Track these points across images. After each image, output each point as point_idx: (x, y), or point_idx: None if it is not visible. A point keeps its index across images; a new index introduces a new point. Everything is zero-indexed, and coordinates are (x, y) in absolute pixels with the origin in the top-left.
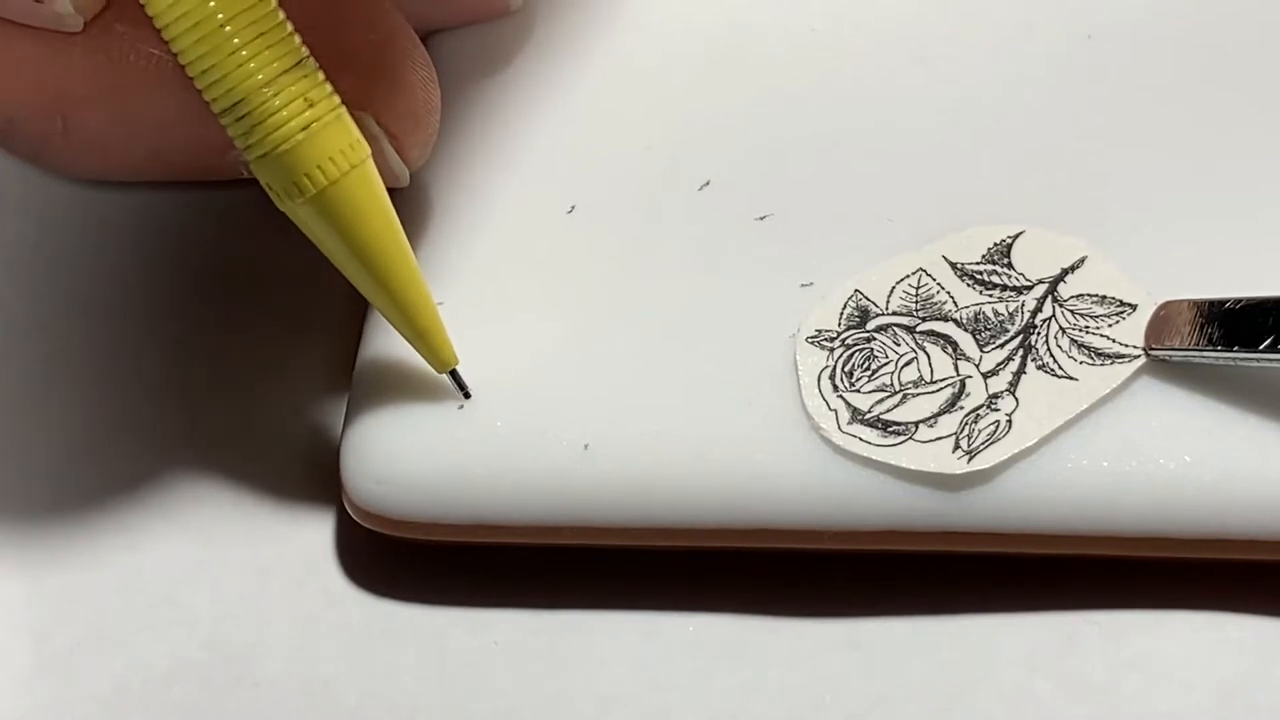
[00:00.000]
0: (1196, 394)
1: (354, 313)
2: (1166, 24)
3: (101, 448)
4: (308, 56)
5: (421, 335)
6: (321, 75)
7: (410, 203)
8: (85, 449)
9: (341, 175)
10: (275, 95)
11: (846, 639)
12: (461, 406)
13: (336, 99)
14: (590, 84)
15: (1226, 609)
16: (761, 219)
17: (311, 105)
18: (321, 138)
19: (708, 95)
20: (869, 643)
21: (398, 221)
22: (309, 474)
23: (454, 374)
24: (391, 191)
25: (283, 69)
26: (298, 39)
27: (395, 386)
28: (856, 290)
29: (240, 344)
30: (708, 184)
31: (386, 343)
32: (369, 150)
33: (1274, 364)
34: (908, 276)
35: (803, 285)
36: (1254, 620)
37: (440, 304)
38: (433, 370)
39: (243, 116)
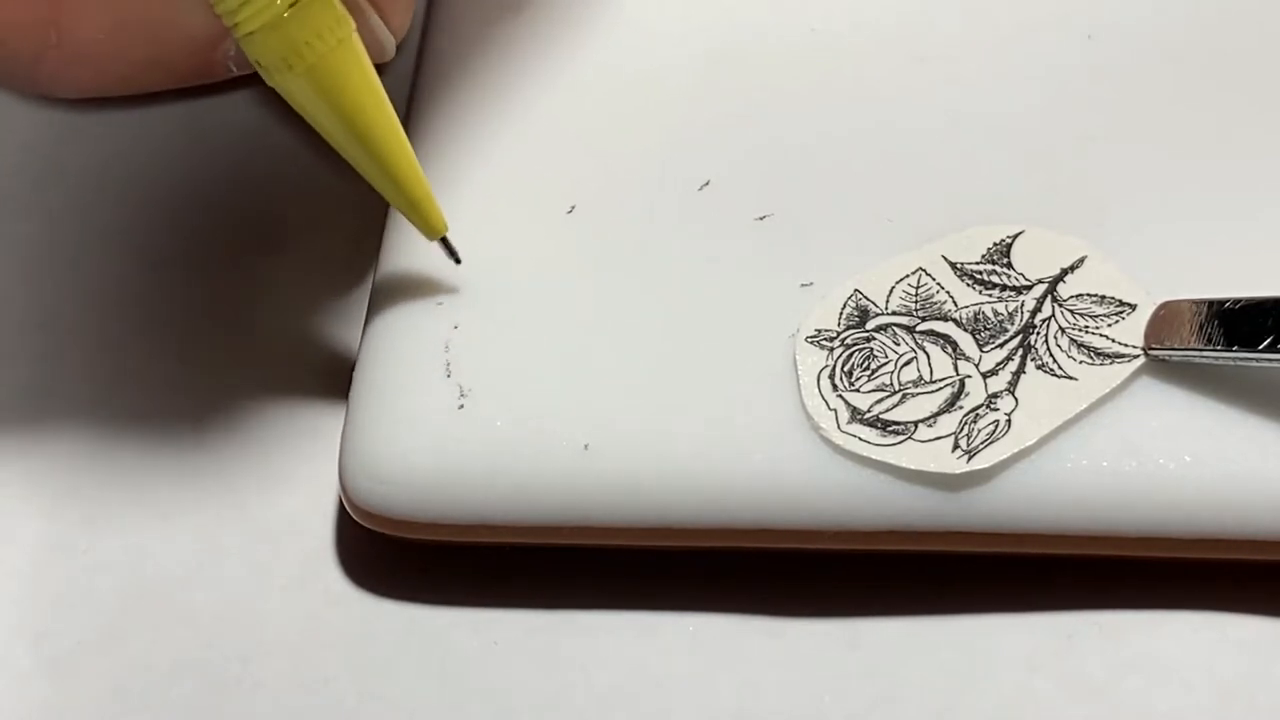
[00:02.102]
0: (1196, 394)
1: (354, 312)
2: (1166, 24)
3: (101, 447)
4: None
5: (413, 203)
6: None
7: None
8: (84, 449)
9: (328, 49)
10: None
11: (846, 639)
12: (461, 406)
13: None
14: (590, 84)
15: (1226, 609)
16: (761, 219)
17: None
18: (308, 13)
19: (708, 95)
20: (869, 643)
21: (384, 93)
22: (309, 473)
23: (444, 241)
24: None
25: None
26: None
27: (395, 387)
28: (856, 290)
29: (240, 343)
30: (708, 184)
31: (387, 343)
32: (354, 25)
33: (1274, 364)
34: (907, 276)
35: (803, 285)
36: (1254, 620)
37: (439, 304)
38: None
39: None
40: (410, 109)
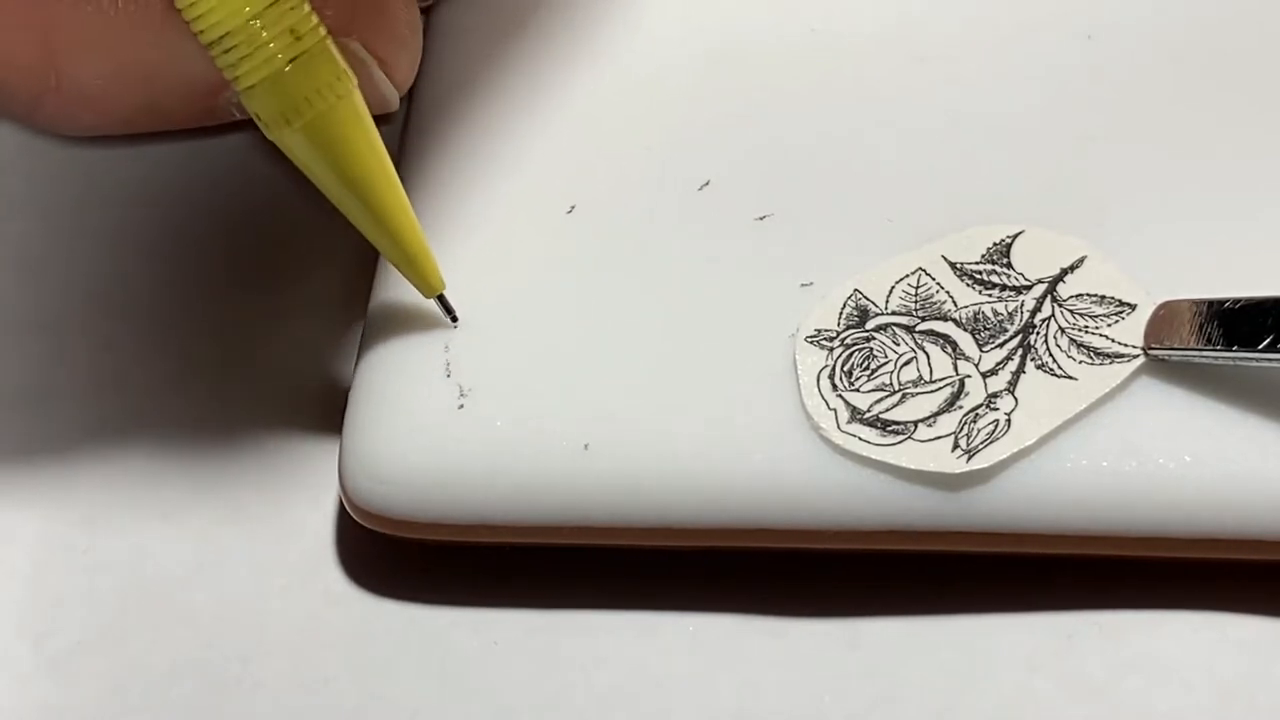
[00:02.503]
0: (1196, 394)
1: (354, 312)
2: (1166, 24)
3: (101, 448)
4: None
5: (410, 260)
6: (308, 7)
7: (411, 203)
8: (84, 449)
9: (328, 106)
10: (262, 28)
11: (846, 639)
12: (461, 406)
13: (323, 30)
14: (590, 84)
15: (1226, 609)
16: (761, 219)
17: (298, 38)
18: (309, 69)
19: (707, 95)
20: (869, 643)
21: (384, 150)
22: (309, 474)
23: (441, 299)
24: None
25: (270, 1)
26: None
27: (395, 386)
28: (856, 290)
29: (240, 344)
30: (708, 184)
31: (386, 343)
32: (355, 80)
33: (1274, 364)
34: (907, 276)
35: (803, 285)
36: (1254, 620)
37: None
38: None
39: (230, 49)
40: (410, 109)
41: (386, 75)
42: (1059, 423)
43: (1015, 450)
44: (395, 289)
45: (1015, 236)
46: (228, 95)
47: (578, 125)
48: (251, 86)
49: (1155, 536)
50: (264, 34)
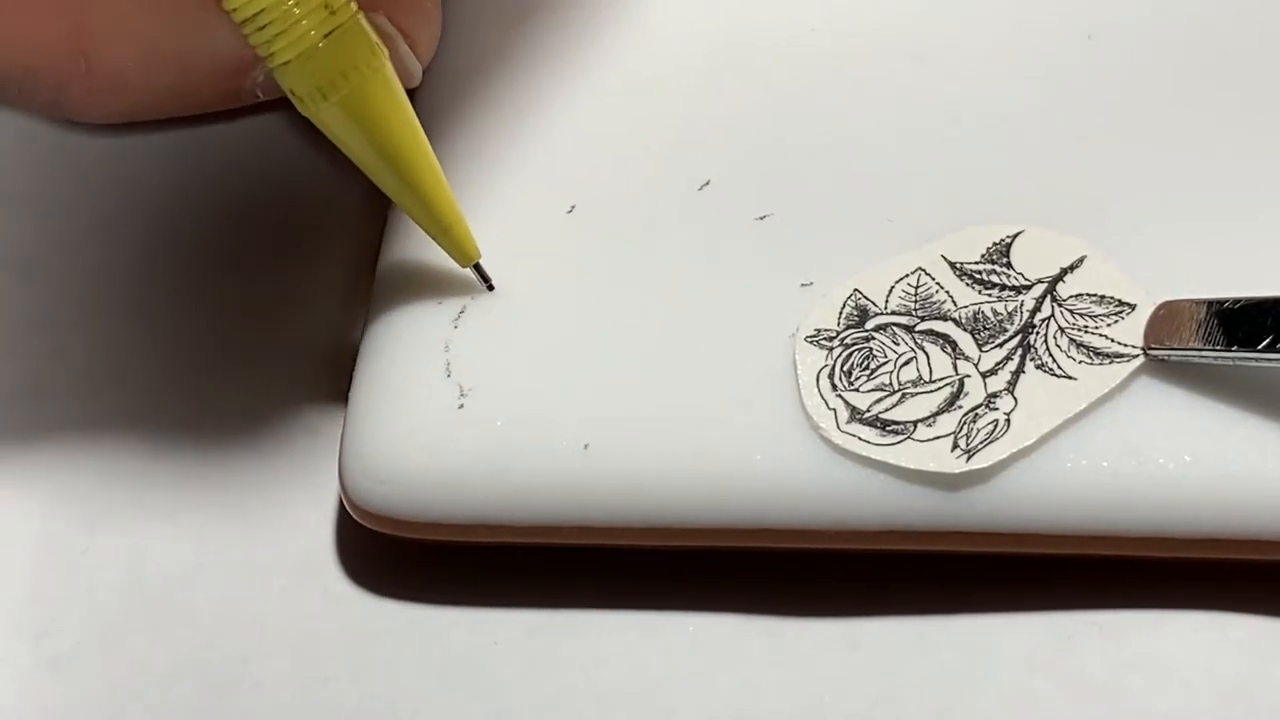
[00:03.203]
0: (1196, 394)
1: (355, 312)
2: (1166, 24)
3: (101, 448)
4: None
5: (446, 230)
6: None
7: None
8: (84, 449)
9: (363, 79)
10: (296, 4)
11: (846, 639)
12: (461, 406)
13: (354, 5)
14: (591, 84)
15: (1226, 609)
16: (761, 219)
17: (332, 12)
18: (343, 43)
19: (708, 95)
20: (869, 643)
21: (417, 122)
22: (309, 474)
23: (478, 267)
24: None
25: None
26: None
27: (395, 386)
28: (855, 290)
29: (240, 343)
30: (708, 184)
31: (387, 343)
32: (387, 54)
33: (1273, 364)
34: (907, 276)
35: (803, 285)
36: (1254, 620)
37: (439, 303)
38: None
39: (265, 25)
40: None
41: (410, 48)
42: (1059, 423)
43: (1015, 450)
44: (396, 289)
45: (1015, 236)
46: (254, 75)
47: (578, 125)
48: (287, 63)
49: (1155, 536)
50: (298, 9)
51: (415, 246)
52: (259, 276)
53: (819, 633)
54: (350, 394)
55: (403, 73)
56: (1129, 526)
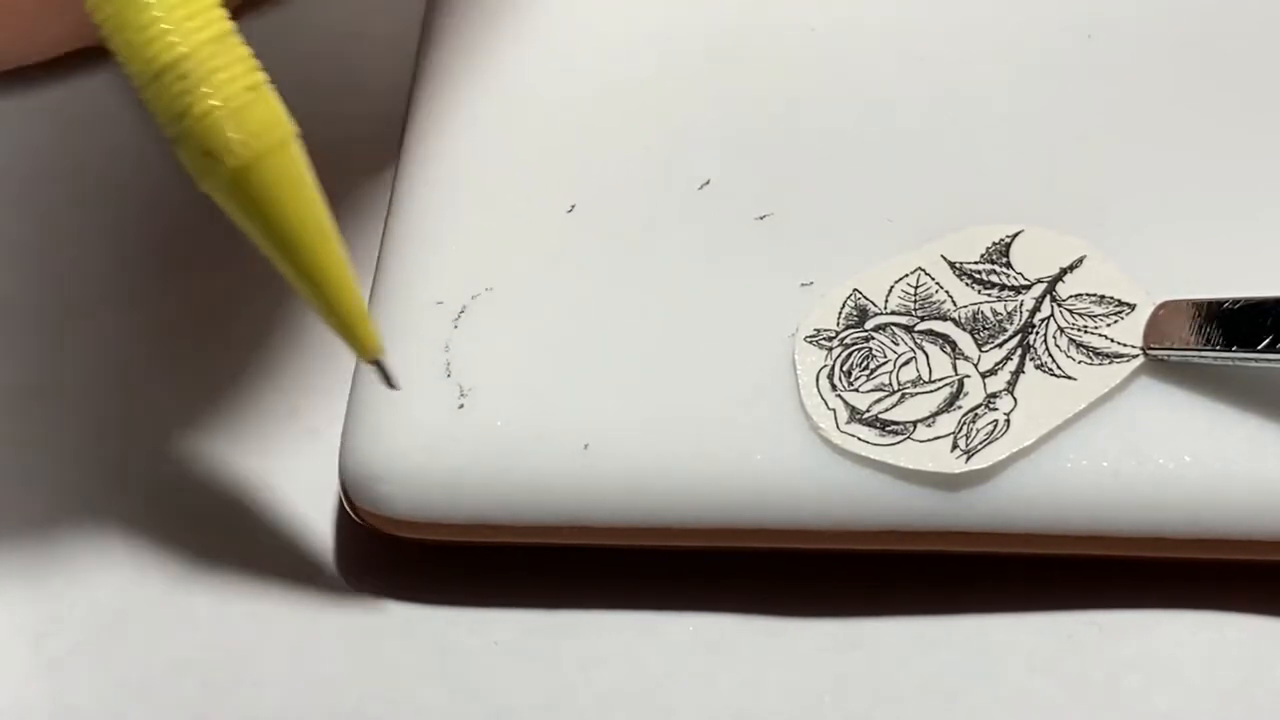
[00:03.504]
0: (1196, 394)
1: None
2: (1167, 23)
3: (101, 449)
4: (233, 29)
5: (346, 324)
6: (248, 49)
7: (411, 203)
8: (85, 449)
9: (266, 150)
10: (210, 59)
11: (846, 639)
12: (461, 406)
13: (262, 75)
14: (590, 83)
15: (1226, 609)
16: (761, 219)
17: (251, 71)
18: (256, 108)
19: (708, 95)
20: (869, 643)
21: (324, 204)
22: (309, 474)
23: (378, 364)
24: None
25: (215, 35)
26: (223, 9)
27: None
28: (855, 290)
29: (240, 343)
30: (708, 184)
31: (387, 343)
32: (295, 129)
33: (1273, 364)
34: (906, 276)
35: (803, 285)
36: (1254, 620)
37: (440, 303)
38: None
39: (185, 75)
40: (410, 109)
41: None
42: (1058, 423)
43: (1014, 450)
44: (396, 289)
45: (1015, 236)
46: None
47: (578, 125)
48: (191, 125)
49: (1155, 536)
50: (220, 61)
51: (415, 247)
52: (259, 276)
53: (819, 633)
54: (350, 394)
55: None
56: (1129, 526)
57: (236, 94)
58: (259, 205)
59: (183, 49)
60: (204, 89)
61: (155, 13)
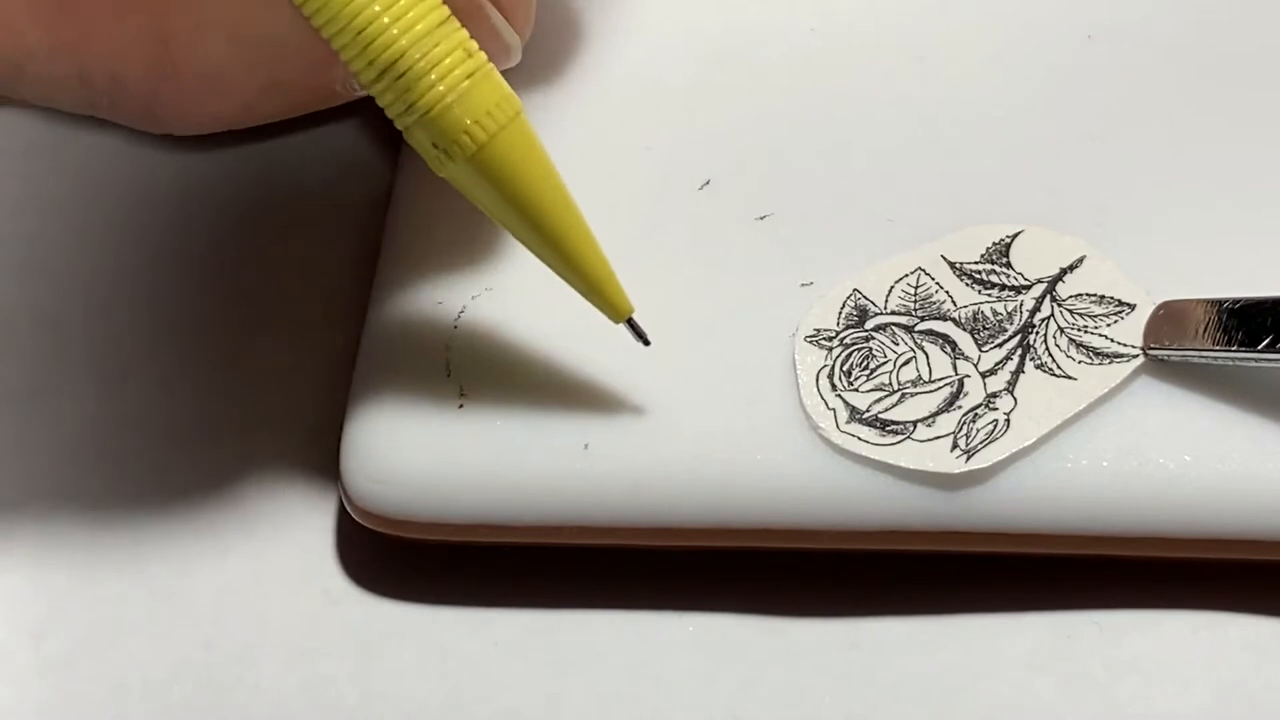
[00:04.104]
0: (1196, 394)
1: (355, 312)
2: (1166, 24)
3: (101, 448)
4: (450, 14)
5: (595, 287)
6: (466, 31)
7: (410, 203)
8: (85, 449)
9: (500, 128)
10: (435, 46)
11: (846, 639)
12: (461, 406)
13: (484, 54)
14: (590, 84)
15: (1226, 609)
16: (761, 219)
17: (469, 56)
18: (482, 88)
19: (708, 95)
20: (869, 643)
21: (558, 172)
22: (309, 474)
23: (631, 322)
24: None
25: (436, 22)
26: None
27: (395, 387)
28: (855, 290)
29: (240, 343)
30: (708, 184)
31: (387, 343)
32: (520, 103)
33: (1273, 364)
34: (906, 276)
35: (803, 285)
36: (1254, 620)
37: (439, 303)
38: (434, 377)
39: (402, 74)
40: None
41: (506, 20)
42: (1058, 423)
43: (1014, 450)
44: (396, 289)
45: (1015, 236)
46: (346, 67)
47: (578, 125)
48: (428, 113)
49: (1155, 536)
50: (439, 51)
51: (416, 247)
52: (259, 274)
53: (819, 633)
54: (350, 394)
55: (499, 50)
56: (1129, 526)
57: (458, 82)
58: (498, 187)
59: (403, 43)
60: (426, 82)
61: (375, 8)
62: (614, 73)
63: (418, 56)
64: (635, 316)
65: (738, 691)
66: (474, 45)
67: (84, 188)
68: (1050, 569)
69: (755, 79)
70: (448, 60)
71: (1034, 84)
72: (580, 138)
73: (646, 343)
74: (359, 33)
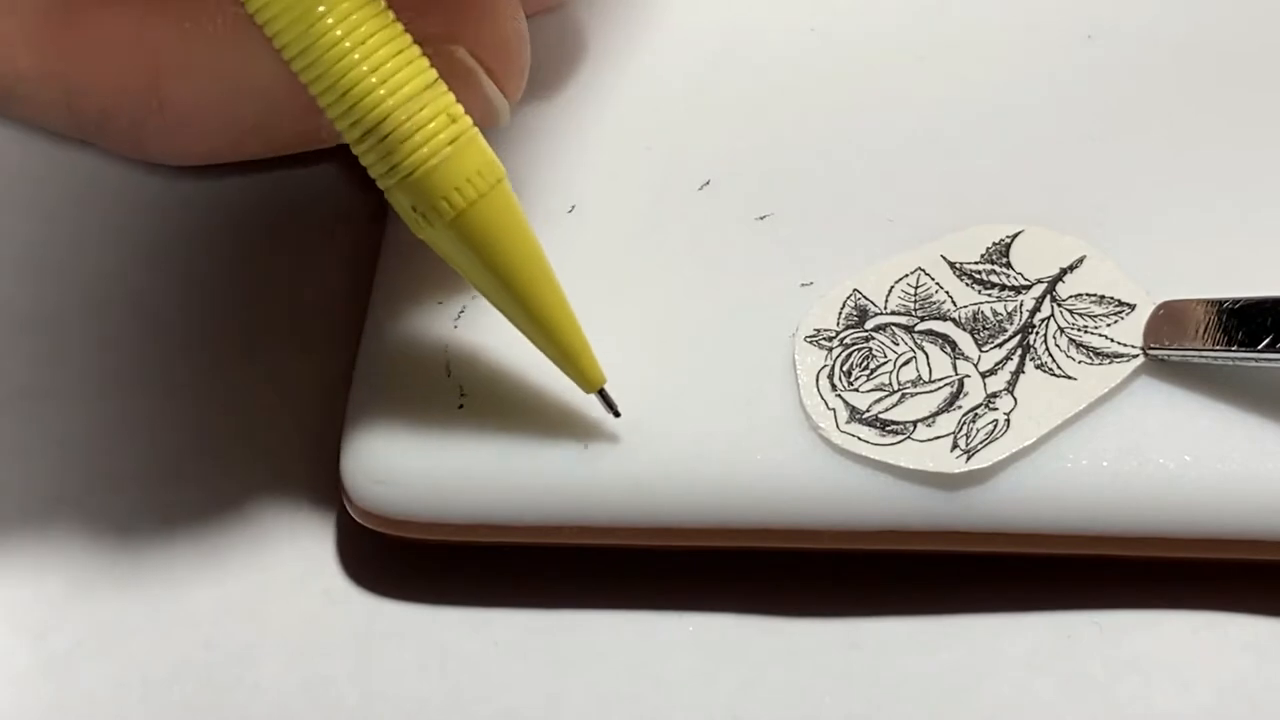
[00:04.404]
0: (1196, 394)
1: (355, 312)
2: (1167, 24)
3: (101, 449)
4: (438, 77)
5: (569, 357)
6: (453, 95)
7: None
8: (85, 449)
9: (480, 196)
10: (421, 110)
11: (846, 639)
12: (461, 406)
13: (469, 119)
14: (591, 84)
15: (1226, 609)
16: (761, 219)
17: (454, 120)
18: (466, 154)
19: (708, 95)
20: (869, 643)
21: (537, 240)
22: (309, 474)
23: (603, 393)
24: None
25: (423, 85)
26: (426, 59)
27: (395, 387)
28: (855, 290)
29: (241, 344)
30: (708, 184)
31: (387, 343)
32: (504, 171)
33: (1273, 364)
34: (906, 276)
35: (803, 285)
36: (1254, 620)
37: (439, 303)
38: (435, 379)
39: (386, 136)
40: None
41: (495, 85)
42: (1058, 422)
43: (1014, 450)
44: (396, 289)
45: (1015, 236)
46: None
47: (578, 125)
48: (407, 177)
49: (1155, 536)
50: (424, 114)
51: (416, 247)
52: (259, 275)
53: (819, 633)
54: (350, 394)
55: (488, 114)
56: (1129, 526)
57: (441, 146)
58: (477, 253)
59: (388, 104)
60: (409, 145)
61: (364, 67)
62: (614, 73)
63: (403, 119)
64: (607, 387)
65: (738, 691)
66: (459, 110)
67: (87, 194)
68: (1050, 569)
69: (755, 79)
70: (432, 124)
71: (1034, 84)
72: (580, 138)
73: (617, 414)
74: (345, 92)
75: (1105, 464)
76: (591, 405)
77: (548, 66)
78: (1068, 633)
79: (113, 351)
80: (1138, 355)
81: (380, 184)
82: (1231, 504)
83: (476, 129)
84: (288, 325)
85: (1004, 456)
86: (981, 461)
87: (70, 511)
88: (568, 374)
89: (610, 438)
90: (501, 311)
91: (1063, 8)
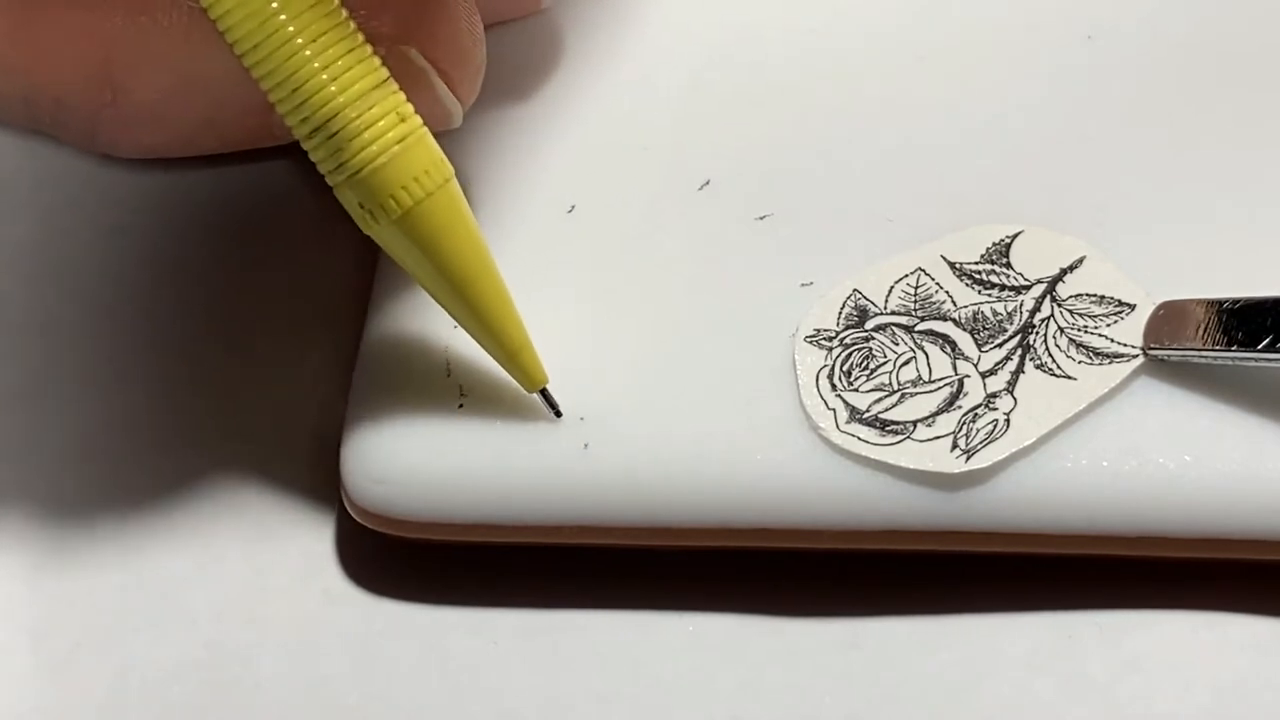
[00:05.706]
0: (1196, 394)
1: (355, 312)
2: (1167, 24)
3: (101, 448)
4: (389, 76)
5: (511, 355)
6: (403, 95)
7: None
8: (85, 449)
9: (427, 195)
10: (370, 108)
11: (846, 639)
12: (461, 406)
13: (419, 119)
14: (590, 84)
15: (1226, 609)
16: (761, 219)
17: (403, 120)
18: (414, 153)
19: (708, 95)
20: (869, 643)
21: (484, 240)
22: (309, 474)
23: (544, 393)
24: None
25: (373, 84)
26: (377, 58)
27: (395, 386)
28: (855, 290)
29: (241, 344)
30: (708, 184)
31: (387, 343)
32: (452, 170)
33: (1273, 364)
34: (906, 276)
35: (803, 285)
36: (1254, 620)
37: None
38: (437, 378)
39: (335, 133)
40: None
41: (448, 87)
42: (1058, 423)
43: (1014, 450)
44: (396, 289)
45: (1015, 236)
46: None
47: (578, 125)
48: (355, 174)
49: (1155, 536)
50: (373, 113)
51: None
52: (259, 274)
53: (819, 633)
54: (350, 394)
55: (439, 115)
56: (1129, 526)
57: (389, 145)
58: (423, 251)
59: (338, 102)
60: (358, 142)
61: (315, 64)
62: (613, 73)
63: (352, 116)
64: (549, 388)
65: (738, 691)
66: (409, 109)
67: (83, 190)
68: (1050, 569)
69: (755, 79)
70: (382, 123)
71: (1033, 84)
72: (580, 138)
73: (558, 414)
74: (295, 89)
75: (1105, 464)
76: (591, 405)
77: (546, 67)
78: (1068, 633)
79: (112, 353)
80: (1137, 355)
81: (329, 180)
82: (1231, 504)
83: (426, 129)
84: (288, 325)
85: (1004, 456)
86: (981, 461)
87: (69, 512)
88: (510, 373)
89: (610, 438)
90: (447, 310)
91: (1063, 8)
